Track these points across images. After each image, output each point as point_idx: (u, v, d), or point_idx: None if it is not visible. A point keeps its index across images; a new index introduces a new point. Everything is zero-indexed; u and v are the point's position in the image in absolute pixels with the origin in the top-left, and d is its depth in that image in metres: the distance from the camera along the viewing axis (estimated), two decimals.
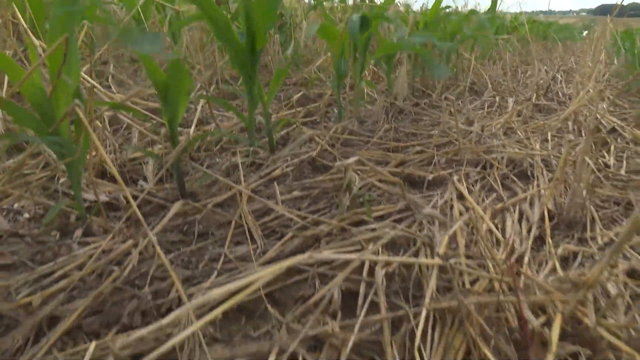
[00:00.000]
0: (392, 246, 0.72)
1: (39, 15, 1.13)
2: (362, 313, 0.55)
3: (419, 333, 0.50)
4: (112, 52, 1.92)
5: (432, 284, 0.56)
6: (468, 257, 0.68)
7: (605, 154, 1.24)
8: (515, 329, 0.52)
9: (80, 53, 1.41)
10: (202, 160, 1.09)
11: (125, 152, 1.01)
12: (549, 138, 1.33)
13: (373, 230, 0.73)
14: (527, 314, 0.52)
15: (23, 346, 0.51)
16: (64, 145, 0.69)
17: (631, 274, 0.70)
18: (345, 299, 0.60)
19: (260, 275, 0.40)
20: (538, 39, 4.06)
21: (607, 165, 1.16)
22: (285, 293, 0.62)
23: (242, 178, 0.92)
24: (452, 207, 0.87)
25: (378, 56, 1.44)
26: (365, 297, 0.59)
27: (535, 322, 0.51)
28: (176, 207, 0.79)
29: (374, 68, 2.02)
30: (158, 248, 0.49)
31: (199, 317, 0.42)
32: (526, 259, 0.71)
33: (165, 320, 0.34)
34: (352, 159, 0.76)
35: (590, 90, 1.83)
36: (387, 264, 0.62)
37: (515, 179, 1.04)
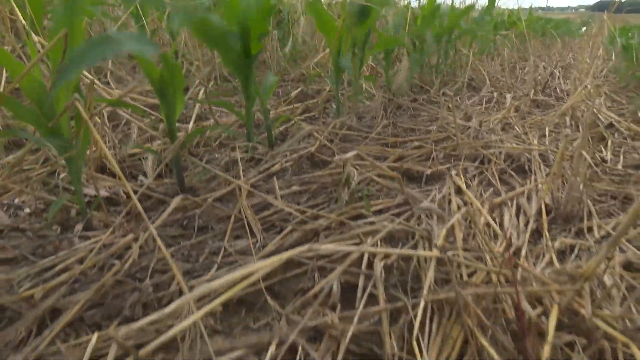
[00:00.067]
0: (391, 240, 0.73)
1: (38, 11, 1.14)
2: (361, 305, 0.56)
3: (417, 324, 0.51)
4: None
5: (430, 276, 0.57)
6: (466, 250, 0.69)
7: (603, 149, 1.25)
8: (512, 320, 0.53)
9: None
10: (201, 155, 1.10)
11: (125, 148, 1.02)
12: (547, 133, 1.34)
13: (372, 223, 0.74)
14: (524, 305, 0.53)
15: (26, 338, 0.51)
16: (64, 141, 0.70)
17: (627, 266, 0.71)
18: (344, 292, 0.61)
19: (260, 266, 0.41)
20: (536, 35, 4.06)
21: (604, 160, 1.17)
22: (285, 286, 0.63)
23: (241, 173, 0.92)
24: (450, 201, 0.87)
25: (377, 51, 1.44)
26: (364, 289, 0.60)
27: (532, 313, 0.52)
28: (176, 201, 0.79)
29: (372, 64, 2.02)
30: (159, 240, 0.50)
31: (199, 308, 0.43)
32: (523, 252, 0.72)
33: (167, 309, 0.34)
34: (350, 154, 0.77)
35: (588, 86, 1.84)
36: (386, 256, 0.63)
37: (513, 173, 1.05)
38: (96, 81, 1.09)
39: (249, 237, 0.74)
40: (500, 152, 1.14)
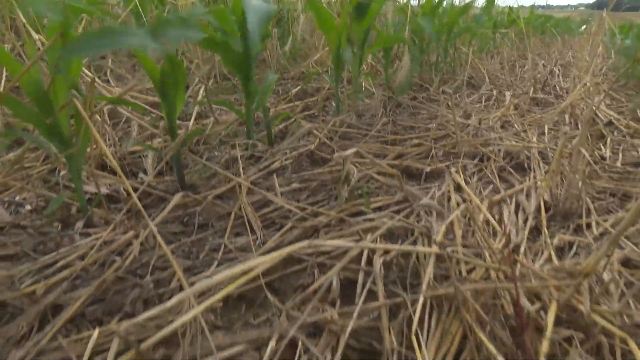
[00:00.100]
0: (390, 236, 0.73)
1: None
2: (361, 301, 0.56)
3: (416, 319, 0.51)
4: None
5: (429, 272, 0.57)
6: (465, 246, 0.69)
7: (602, 147, 1.25)
8: (511, 316, 0.53)
9: None
10: (201, 153, 1.10)
11: (125, 146, 1.02)
12: (546, 131, 1.34)
13: (371, 220, 0.74)
14: (523, 301, 0.53)
15: (28, 333, 0.51)
16: (64, 139, 0.70)
17: (625, 263, 0.71)
18: (344, 288, 0.61)
19: (261, 261, 0.41)
20: (536, 33, 4.06)
21: (603, 158, 1.17)
22: (285, 282, 0.63)
23: (241, 171, 0.93)
24: (449, 198, 0.88)
25: (376, 49, 1.44)
26: (364, 285, 0.60)
27: (530, 308, 0.52)
28: (176, 198, 0.79)
29: (372, 62, 2.02)
30: (159, 237, 0.50)
31: (200, 303, 0.43)
32: (522, 249, 0.72)
33: (168, 304, 0.35)
34: (350, 151, 0.77)
35: (587, 84, 1.84)
36: (385, 252, 0.63)
37: (512, 171, 1.05)
38: (96, 79, 1.09)
39: (249, 234, 0.74)
40: (499, 150, 1.14)
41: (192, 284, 0.59)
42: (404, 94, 1.71)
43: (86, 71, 1.01)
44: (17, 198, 0.82)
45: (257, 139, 1.12)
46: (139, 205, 0.54)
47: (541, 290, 0.56)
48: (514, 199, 0.89)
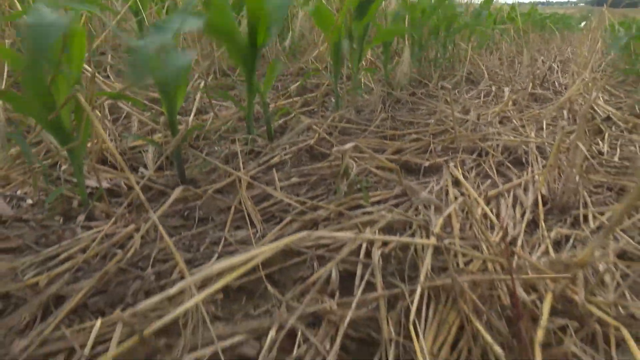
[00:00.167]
0: (389, 230, 0.74)
1: None
2: (359, 292, 0.57)
3: (413, 309, 0.52)
4: (110, 43, 1.92)
5: (427, 263, 0.58)
6: (463, 239, 0.70)
7: (600, 142, 1.26)
8: (507, 306, 0.54)
9: None
10: (201, 148, 1.11)
11: (126, 141, 1.03)
12: (544, 126, 1.35)
13: (370, 213, 0.75)
14: (519, 291, 0.54)
15: (31, 323, 0.52)
16: (65, 133, 0.71)
17: (621, 255, 0.72)
18: (342, 280, 0.62)
19: (261, 251, 0.42)
20: (535, 29, 4.07)
21: (600, 153, 1.18)
22: (285, 274, 0.64)
23: (241, 165, 0.93)
24: (447, 192, 0.88)
25: (376, 44, 1.45)
26: (362, 277, 0.61)
27: (527, 299, 0.53)
28: (176, 192, 0.80)
29: (371, 59, 2.02)
30: (161, 228, 0.51)
31: (202, 293, 0.44)
32: (519, 242, 0.73)
33: (171, 291, 0.35)
34: (349, 145, 0.78)
35: (586, 79, 1.85)
36: (384, 245, 0.64)
37: (510, 165, 1.06)
38: (96, 74, 1.09)
39: (249, 228, 0.75)
40: (497, 145, 1.15)
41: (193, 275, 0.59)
42: (402, 89, 1.72)
43: (86, 66, 1.01)
44: (18, 192, 0.83)
45: (256, 134, 1.13)
46: (142, 196, 0.55)
47: (537, 282, 0.57)
48: (511, 193, 0.89)
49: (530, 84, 1.93)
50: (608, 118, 1.49)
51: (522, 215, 0.82)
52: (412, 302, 0.54)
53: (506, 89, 1.82)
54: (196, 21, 0.53)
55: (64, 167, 0.91)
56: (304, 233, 0.46)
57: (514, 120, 1.40)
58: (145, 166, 0.98)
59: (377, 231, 0.70)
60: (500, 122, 1.39)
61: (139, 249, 0.67)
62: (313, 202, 0.80)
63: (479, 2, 2.46)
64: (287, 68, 2.00)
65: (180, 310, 0.36)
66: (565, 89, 2.00)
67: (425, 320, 0.53)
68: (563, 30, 5.19)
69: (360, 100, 1.52)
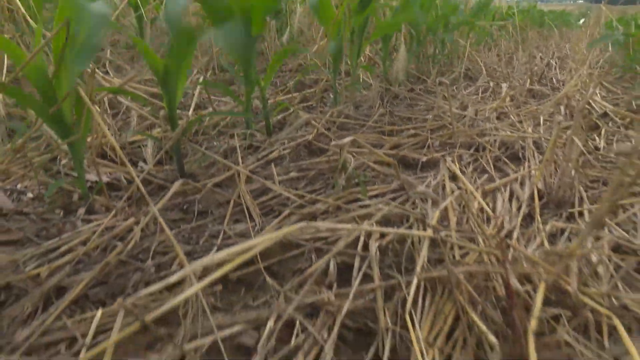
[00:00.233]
0: (386, 223, 0.75)
1: (38, 1, 1.14)
2: (356, 283, 0.58)
3: (410, 300, 0.53)
4: (109, 38, 1.92)
5: (423, 255, 0.59)
6: (459, 232, 0.70)
7: (596, 137, 1.27)
8: (502, 297, 0.55)
9: None
10: (200, 143, 1.11)
11: (125, 135, 1.03)
12: (541, 122, 1.35)
13: (367, 207, 0.75)
14: (514, 281, 0.55)
15: (33, 313, 0.53)
16: (66, 127, 0.71)
17: (616, 248, 0.73)
18: (340, 272, 0.63)
19: (260, 240, 0.43)
20: (534, 25, 4.07)
21: (597, 148, 1.19)
22: (283, 266, 0.65)
23: (240, 159, 0.94)
24: (444, 187, 0.89)
25: (375, 38, 1.45)
26: (360, 269, 0.61)
27: (520, 289, 0.54)
28: (176, 186, 0.81)
29: (370, 54, 2.03)
30: (161, 219, 0.52)
31: (201, 282, 0.44)
32: (515, 235, 0.74)
33: (171, 279, 0.36)
34: (347, 139, 0.78)
35: (583, 75, 1.86)
36: (381, 236, 0.65)
37: (507, 160, 1.06)
38: (96, 70, 1.10)
39: (248, 221, 0.76)
40: (495, 140, 1.16)
41: None
42: (400, 85, 1.72)
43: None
44: (18, 186, 0.84)
45: (255, 129, 1.13)
46: (142, 189, 0.56)
47: (532, 273, 0.58)
48: (508, 188, 0.90)
49: (528, 81, 1.93)
50: (605, 114, 1.49)
51: (518, 209, 0.83)
52: (408, 293, 0.54)
53: (504, 85, 1.82)
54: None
55: (63, 162, 0.91)
56: (302, 223, 0.46)
57: (512, 116, 1.40)
58: (144, 160, 0.99)
59: (374, 224, 0.70)
60: (498, 118, 1.40)
61: (139, 242, 0.68)
62: (312, 196, 0.81)
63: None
64: (286, 64, 2.00)
65: (180, 298, 0.36)
66: (563, 85, 2.01)
67: (422, 311, 0.54)
68: (562, 27, 5.19)
69: (359, 96, 1.52)
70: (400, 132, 1.24)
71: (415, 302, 0.54)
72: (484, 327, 0.48)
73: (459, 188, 0.88)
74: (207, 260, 0.38)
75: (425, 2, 1.75)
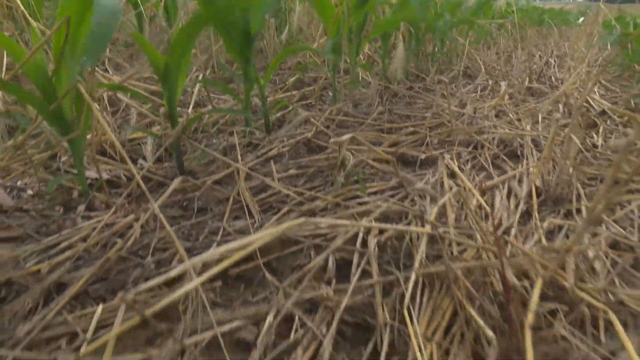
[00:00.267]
0: (385, 220, 0.75)
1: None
2: (355, 279, 0.58)
3: (408, 295, 0.53)
4: None
5: (421, 251, 0.59)
6: (457, 228, 0.71)
7: (594, 135, 1.27)
8: (499, 292, 0.55)
9: None
10: (199, 141, 1.11)
11: (125, 133, 1.03)
12: (540, 120, 1.36)
13: (366, 203, 0.76)
14: (510, 276, 0.55)
15: (34, 309, 0.53)
16: (66, 124, 0.72)
17: (613, 245, 0.73)
18: (339, 269, 0.63)
19: (259, 236, 0.43)
20: (533, 24, 4.07)
21: (595, 146, 1.19)
22: (282, 263, 0.65)
23: (239, 157, 0.94)
24: (442, 184, 0.89)
25: (374, 36, 1.45)
26: (359, 265, 0.62)
27: (517, 284, 0.54)
28: (175, 183, 0.81)
29: (369, 53, 2.03)
30: (161, 216, 0.52)
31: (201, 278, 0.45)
32: (513, 232, 0.74)
33: (172, 273, 0.36)
34: (346, 136, 0.79)
35: (582, 73, 1.86)
36: (380, 233, 0.65)
37: (505, 158, 1.07)
38: (95, 67, 1.10)
39: (247, 218, 0.76)
40: (493, 138, 1.16)
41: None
42: (399, 83, 1.72)
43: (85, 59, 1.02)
44: (18, 183, 0.84)
45: (254, 127, 1.14)
46: (142, 185, 0.56)
47: (529, 269, 0.58)
48: (506, 185, 0.91)
49: (527, 79, 1.94)
50: (603, 112, 1.50)
51: (516, 206, 0.83)
52: (407, 288, 0.55)
53: (503, 83, 1.83)
54: None
55: (63, 159, 0.91)
56: (301, 219, 0.47)
57: (510, 114, 1.41)
58: (144, 158, 0.99)
59: (373, 221, 0.71)
60: (497, 116, 1.41)
61: (139, 238, 0.68)
62: (311, 193, 0.82)
63: None
64: (285, 62, 2.00)
65: (181, 292, 0.37)
66: (562, 83, 2.01)
67: (420, 306, 0.54)
68: (561, 25, 5.19)
69: (358, 94, 1.53)
70: (399, 129, 1.24)
71: (413, 297, 0.55)
72: (481, 322, 0.49)
73: (458, 185, 0.88)
74: (207, 255, 0.38)
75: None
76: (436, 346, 0.49)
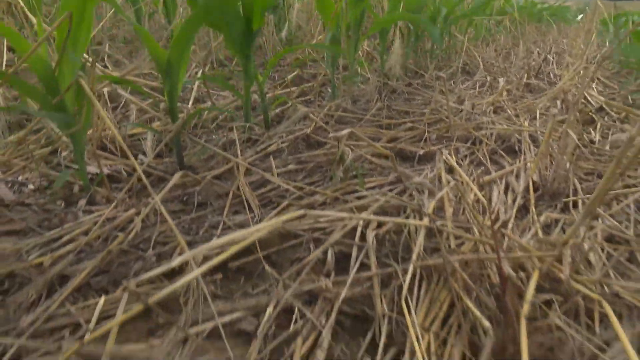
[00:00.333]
0: (384, 214, 0.76)
1: None
2: (354, 271, 0.59)
3: (406, 287, 0.54)
4: (107, 33, 1.92)
5: (419, 243, 0.60)
6: (455, 222, 0.72)
7: (592, 131, 1.28)
8: (496, 284, 0.56)
9: None
10: (199, 136, 1.12)
11: (125, 128, 1.04)
12: (537, 116, 1.36)
13: (365, 197, 0.76)
14: (507, 268, 0.56)
15: (37, 300, 0.54)
16: (68, 118, 0.72)
17: (609, 239, 0.74)
18: (338, 261, 0.64)
19: (259, 227, 0.44)
20: (532, 21, 4.07)
21: (592, 141, 1.20)
22: (282, 256, 0.66)
23: (239, 152, 0.95)
24: (440, 179, 0.90)
25: (372, 33, 1.46)
26: (357, 258, 0.63)
27: (514, 275, 0.55)
28: (176, 178, 0.82)
29: (367, 49, 2.04)
30: (163, 209, 0.53)
31: (202, 274, 0.45)
32: (510, 225, 0.75)
33: (173, 263, 0.37)
34: (345, 131, 0.79)
35: (579, 69, 1.87)
36: (379, 226, 0.66)
37: (503, 153, 1.08)
38: (95, 63, 1.10)
39: (247, 212, 0.77)
40: (491, 134, 1.17)
41: (192, 258, 0.61)
42: (398, 79, 1.73)
43: (85, 55, 1.02)
44: (20, 178, 0.84)
45: (254, 122, 1.14)
46: (144, 179, 0.57)
47: (526, 261, 0.59)
48: (503, 180, 0.91)
49: (525, 75, 1.94)
50: (601, 108, 1.51)
51: (514, 200, 0.84)
52: (404, 280, 0.56)
53: (501, 80, 1.83)
54: None
55: (64, 154, 0.92)
56: (301, 211, 0.47)
57: (508, 110, 1.42)
58: (144, 153, 0.99)
59: (371, 214, 0.71)
60: (495, 112, 1.41)
61: (140, 232, 0.69)
62: (310, 188, 0.82)
63: None
64: (284, 59, 2.00)
65: (182, 281, 0.37)
66: (560, 80, 2.02)
67: (418, 298, 0.55)
68: (560, 22, 5.20)
69: (357, 90, 1.53)
70: (397, 125, 1.25)
71: (411, 289, 0.56)
72: (478, 313, 0.50)
73: (456, 180, 0.89)
74: (208, 245, 0.39)
75: None
76: (433, 336, 0.50)
